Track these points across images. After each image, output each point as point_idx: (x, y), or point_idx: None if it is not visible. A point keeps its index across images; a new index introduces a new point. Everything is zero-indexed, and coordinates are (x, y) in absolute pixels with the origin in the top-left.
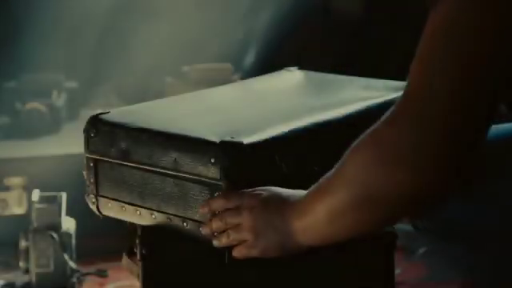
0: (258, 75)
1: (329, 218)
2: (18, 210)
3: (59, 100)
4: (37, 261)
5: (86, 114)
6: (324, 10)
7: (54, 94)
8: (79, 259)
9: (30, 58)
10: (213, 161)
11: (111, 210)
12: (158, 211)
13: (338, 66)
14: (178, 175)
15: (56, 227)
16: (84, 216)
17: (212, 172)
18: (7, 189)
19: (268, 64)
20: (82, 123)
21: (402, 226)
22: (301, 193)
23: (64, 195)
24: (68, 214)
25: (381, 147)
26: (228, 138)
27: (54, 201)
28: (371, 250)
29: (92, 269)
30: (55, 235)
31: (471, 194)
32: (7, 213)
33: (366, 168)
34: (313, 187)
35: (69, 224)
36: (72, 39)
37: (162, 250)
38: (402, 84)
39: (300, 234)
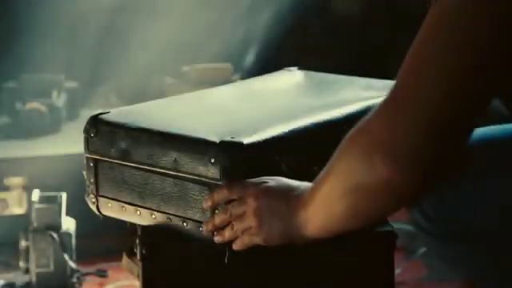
0: (258, 75)
1: (324, 206)
2: (18, 210)
3: (59, 100)
4: (37, 261)
5: (86, 113)
6: (324, 10)
7: (54, 94)
8: (79, 259)
9: (30, 58)
10: (213, 161)
11: (111, 210)
12: (157, 211)
13: (338, 66)
14: (178, 175)
15: (56, 227)
16: (84, 216)
17: (212, 172)
18: (7, 189)
19: (268, 64)
20: (81, 123)
21: (402, 226)
22: (307, 184)
23: (64, 195)
24: (68, 214)
25: (366, 138)
26: (228, 138)
27: (54, 201)
28: (371, 249)
29: (92, 269)
30: (55, 235)
31: (471, 194)
32: (7, 213)
33: (352, 158)
34: (315, 179)
35: (69, 224)
36: (72, 39)
37: (162, 250)
38: None
39: (304, 224)
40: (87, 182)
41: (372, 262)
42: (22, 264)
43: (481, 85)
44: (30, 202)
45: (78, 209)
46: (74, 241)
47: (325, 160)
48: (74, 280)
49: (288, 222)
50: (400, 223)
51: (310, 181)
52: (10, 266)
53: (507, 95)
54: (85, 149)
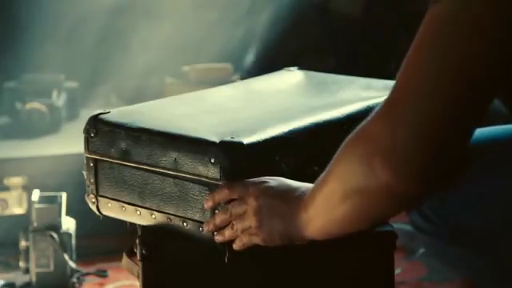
0: (258, 75)
1: (324, 210)
2: (18, 209)
3: (59, 100)
4: (37, 261)
5: (86, 113)
6: (324, 9)
7: (54, 94)
8: (79, 259)
9: (30, 57)
10: (213, 161)
11: (111, 210)
12: (157, 211)
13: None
14: (178, 175)
15: (56, 227)
16: (84, 216)
17: (212, 172)
18: (7, 189)
19: (268, 64)
20: (81, 123)
21: (402, 226)
22: (308, 185)
23: (64, 195)
24: (68, 214)
25: (365, 142)
26: (228, 138)
27: (54, 201)
28: (371, 250)
29: (92, 269)
30: (55, 235)
31: (470, 194)
32: (7, 213)
33: (352, 162)
34: (316, 180)
35: (69, 224)
36: (72, 39)
37: (162, 250)
38: None
39: (304, 225)
40: (87, 182)
41: (372, 262)
42: (22, 264)
43: (480, 90)
44: (30, 202)
45: (77, 209)
46: (73, 241)
47: (325, 160)
48: (74, 280)
49: (288, 222)
50: (400, 223)
51: (310, 181)
52: (10, 266)
53: (507, 95)
54: (85, 149)
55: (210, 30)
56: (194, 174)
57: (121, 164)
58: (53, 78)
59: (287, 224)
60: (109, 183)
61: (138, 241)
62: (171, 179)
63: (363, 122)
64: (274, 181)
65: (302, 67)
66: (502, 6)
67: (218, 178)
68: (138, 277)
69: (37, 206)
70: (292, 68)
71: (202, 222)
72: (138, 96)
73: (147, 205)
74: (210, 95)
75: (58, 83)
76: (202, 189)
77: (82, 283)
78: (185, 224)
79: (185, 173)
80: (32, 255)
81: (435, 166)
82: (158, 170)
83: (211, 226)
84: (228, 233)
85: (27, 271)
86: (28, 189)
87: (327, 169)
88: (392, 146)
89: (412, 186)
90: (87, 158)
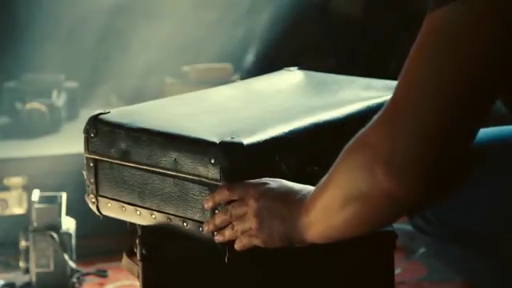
0: (258, 75)
1: (324, 215)
2: (18, 209)
3: (59, 100)
4: (37, 261)
5: (86, 114)
6: (324, 9)
7: (54, 94)
8: (79, 259)
9: (30, 57)
10: (213, 161)
11: (111, 210)
12: (157, 211)
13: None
14: (178, 175)
15: (56, 227)
16: (84, 216)
17: (212, 172)
18: (7, 189)
19: (268, 64)
20: (81, 123)
21: (402, 226)
22: (309, 188)
23: (64, 195)
24: (68, 214)
25: (366, 149)
26: (228, 139)
27: (54, 201)
28: (371, 250)
29: (92, 269)
30: (55, 235)
31: (471, 196)
32: (7, 213)
33: (353, 168)
34: (317, 184)
35: (69, 224)
36: (72, 39)
37: (161, 250)
38: None
39: (304, 228)
40: (87, 182)
41: (372, 262)
42: (22, 264)
43: (481, 91)
44: (30, 202)
45: (77, 209)
46: (73, 241)
47: (325, 160)
48: (74, 280)
49: (289, 225)
50: (400, 223)
51: (310, 181)
52: (10, 266)
53: (507, 95)
54: (85, 149)
55: (210, 30)
56: (193, 175)
57: (121, 164)
58: (53, 78)
59: (288, 226)
60: (109, 183)
61: (138, 241)
62: (171, 179)
63: (364, 128)
64: (275, 182)
65: (302, 67)
66: (502, 6)
67: (218, 178)
68: (138, 277)
69: (37, 206)
70: (292, 68)
71: (201, 222)
72: (138, 96)
73: (147, 205)
74: (210, 95)
75: (58, 83)
76: (202, 189)
77: (82, 283)
78: (185, 224)
79: (185, 173)
80: (32, 255)
81: (437, 169)
82: (157, 170)
83: (211, 226)
84: (228, 233)
85: (27, 271)
86: (28, 189)
87: (328, 174)
88: (392, 153)
89: (413, 192)
90: (87, 158)
